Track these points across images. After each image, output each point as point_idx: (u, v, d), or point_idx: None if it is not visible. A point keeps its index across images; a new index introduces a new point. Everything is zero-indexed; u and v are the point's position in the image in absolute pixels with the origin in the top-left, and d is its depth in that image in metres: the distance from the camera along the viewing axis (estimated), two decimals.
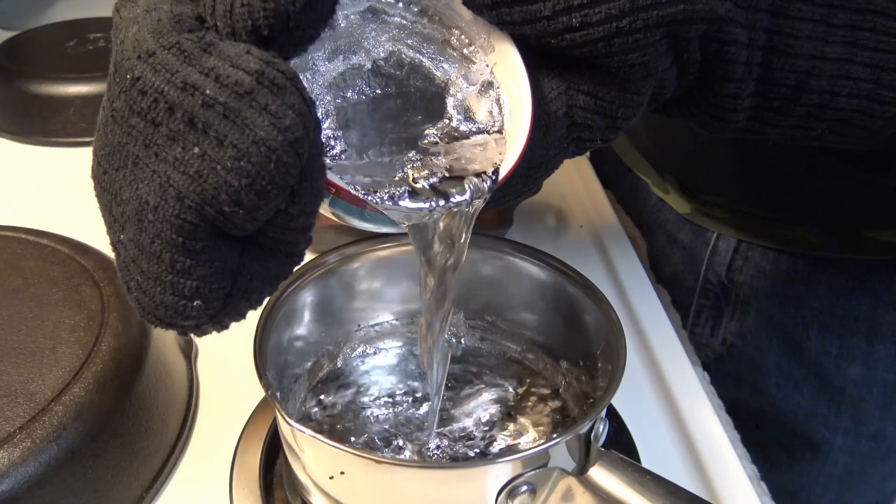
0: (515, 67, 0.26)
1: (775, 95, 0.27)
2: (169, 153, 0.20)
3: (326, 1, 0.21)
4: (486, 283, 0.41)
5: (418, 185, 0.27)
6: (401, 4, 0.27)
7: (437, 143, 0.28)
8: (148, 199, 0.20)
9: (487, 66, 0.27)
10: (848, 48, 0.26)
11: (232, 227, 0.21)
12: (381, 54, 0.27)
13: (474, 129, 0.28)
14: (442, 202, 0.27)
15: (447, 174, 0.27)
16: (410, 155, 0.27)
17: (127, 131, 0.20)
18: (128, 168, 0.21)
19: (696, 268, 0.57)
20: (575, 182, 0.67)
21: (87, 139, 0.72)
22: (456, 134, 0.28)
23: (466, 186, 0.27)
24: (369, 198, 0.25)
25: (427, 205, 0.26)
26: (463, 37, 0.27)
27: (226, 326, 0.23)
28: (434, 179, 0.27)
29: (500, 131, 0.28)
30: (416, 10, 0.27)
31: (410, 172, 0.27)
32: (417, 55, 0.28)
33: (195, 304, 0.21)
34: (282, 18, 0.20)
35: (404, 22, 0.27)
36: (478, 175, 0.27)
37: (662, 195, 0.58)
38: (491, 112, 0.28)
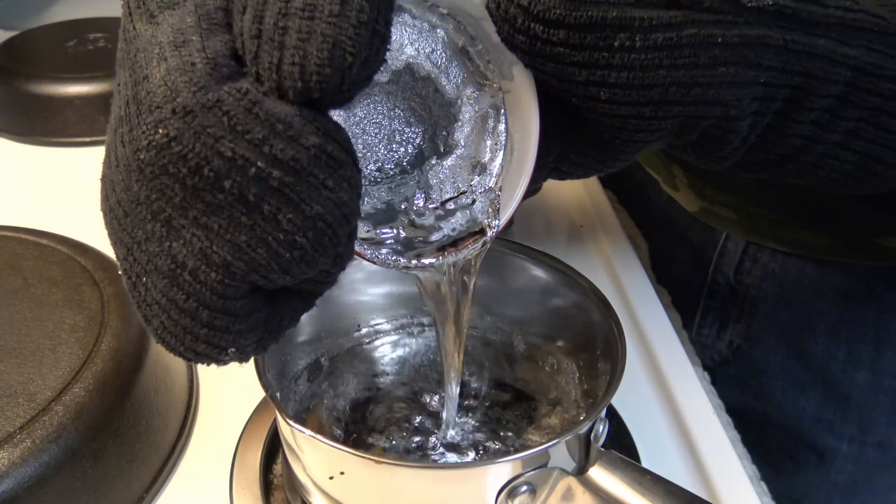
0: (529, 114, 0.26)
1: (762, 159, 0.28)
2: (211, 220, 0.19)
3: (380, 59, 0.19)
4: (486, 284, 0.41)
5: (416, 247, 0.28)
6: (428, 2, 0.25)
7: (440, 204, 0.28)
8: (185, 262, 0.19)
9: (500, 90, 0.27)
10: (845, 136, 0.27)
11: (271, 285, 0.20)
12: (399, 65, 0.26)
13: (475, 180, 0.28)
14: (431, 261, 0.27)
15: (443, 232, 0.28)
16: (414, 206, 0.28)
17: (158, 188, 0.19)
18: (157, 223, 0.19)
19: (704, 268, 0.57)
20: (575, 182, 0.67)
21: (87, 139, 0.72)
22: (459, 188, 0.28)
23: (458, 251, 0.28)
24: (369, 253, 0.26)
25: (416, 263, 0.27)
26: (483, 50, 0.26)
27: (248, 360, 0.23)
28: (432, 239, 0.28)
29: (497, 165, 0.28)
30: (442, 11, 0.26)
31: (407, 231, 0.28)
32: (434, 68, 0.27)
33: (230, 351, 0.21)
34: (335, 83, 0.18)
35: (426, 25, 0.26)
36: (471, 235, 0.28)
37: (672, 192, 0.58)
38: (494, 143, 0.28)
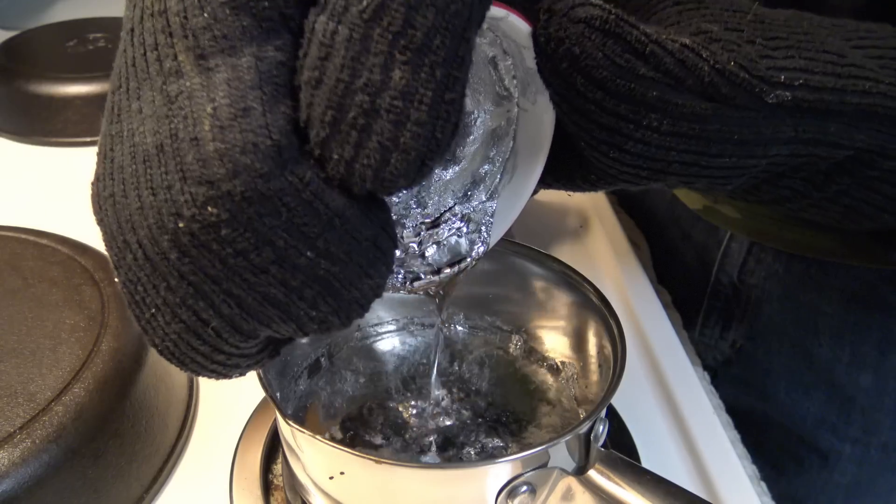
0: (541, 142, 0.26)
1: (752, 198, 0.29)
2: (246, 294, 0.18)
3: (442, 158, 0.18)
4: (486, 284, 0.41)
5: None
6: None
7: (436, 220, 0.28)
8: (209, 321, 0.19)
9: (518, 106, 0.27)
10: (835, 194, 0.28)
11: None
12: None
13: (470, 193, 0.28)
14: (412, 282, 0.28)
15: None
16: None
17: (194, 256, 0.17)
18: (185, 282, 0.18)
19: (707, 268, 0.57)
20: None
21: (87, 139, 0.72)
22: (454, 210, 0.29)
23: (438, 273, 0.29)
24: None
25: (404, 286, 0.28)
26: (512, 66, 0.26)
27: None
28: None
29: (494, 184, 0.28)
30: (482, 26, 0.26)
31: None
32: None
33: (233, 376, 0.22)
34: (404, 186, 0.17)
35: None
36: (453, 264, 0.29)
37: (674, 190, 0.58)
38: (497, 154, 0.28)
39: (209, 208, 0.17)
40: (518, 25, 0.23)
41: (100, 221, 0.20)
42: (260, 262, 0.17)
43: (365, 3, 0.16)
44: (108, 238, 0.19)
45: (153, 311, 0.19)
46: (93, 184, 0.20)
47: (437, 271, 0.28)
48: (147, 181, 0.18)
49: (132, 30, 0.19)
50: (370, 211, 0.18)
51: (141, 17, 0.18)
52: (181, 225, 0.17)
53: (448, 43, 0.17)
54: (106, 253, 0.20)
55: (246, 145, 0.16)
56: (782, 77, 0.23)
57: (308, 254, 0.17)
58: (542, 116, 0.26)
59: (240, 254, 0.17)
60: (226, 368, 0.21)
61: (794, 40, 0.24)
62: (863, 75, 0.24)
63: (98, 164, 0.20)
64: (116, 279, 0.20)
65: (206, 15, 0.17)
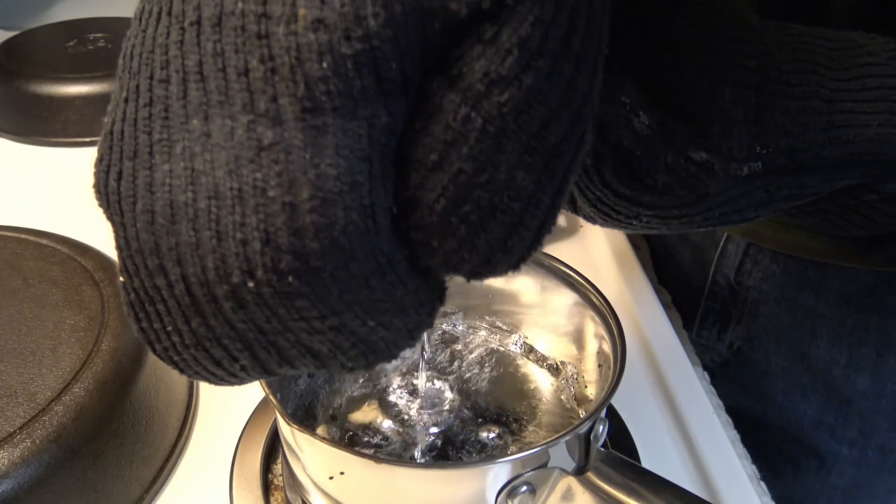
0: None
1: None
2: (290, 347, 0.17)
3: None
4: (485, 284, 0.41)
5: None
6: None
7: None
8: (238, 357, 0.17)
9: None
10: (815, 212, 0.28)
11: None
12: None
13: None
14: None
15: None
16: None
17: (248, 308, 0.16)
18: (227, 325, 0.17)
19: (704, 269, 0.57)
20: None
21: (87, 139, 0.72)
22: None
23: None
24: None
25: None
26: None
27: None
28: None
29: None
30: None
31: None
32: None
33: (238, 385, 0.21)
34: (490, 278, 0.17)
35: None
36: None
37: None
38: None
39: (289, 278, 0.15)
40: None
41: (114, 222, 0.17)
42: (321, 328, 0.16)
43: (507, 95, 0.15)
44: (130, 250, 0.17)
45: (169, 328, 0.17)
46: (102, 172, 0.17)
47: None
48: (210, 221, 0.16)
49: (198, 23, 0.15)
50: (437, 291, 0.18)
51: (219, 20, 0.15)
52: (250, 284, 0.16)
53: (573, 149, 0.16)
54: (109, 252, 0.18)
55: (348, 226, 0.15)
56: (757, 148, 0.22)
57: (370, 324, 0.17)
58: None
59: (303, 319, 0.16)
60: (228, 385, 0.20)
61: (790, 85, 0.23)
62: (849, 123, 0.23)
63: (117, 156, 0.17)
64: (121, 278, 0.18)
65: (325, 64, 0.15)
